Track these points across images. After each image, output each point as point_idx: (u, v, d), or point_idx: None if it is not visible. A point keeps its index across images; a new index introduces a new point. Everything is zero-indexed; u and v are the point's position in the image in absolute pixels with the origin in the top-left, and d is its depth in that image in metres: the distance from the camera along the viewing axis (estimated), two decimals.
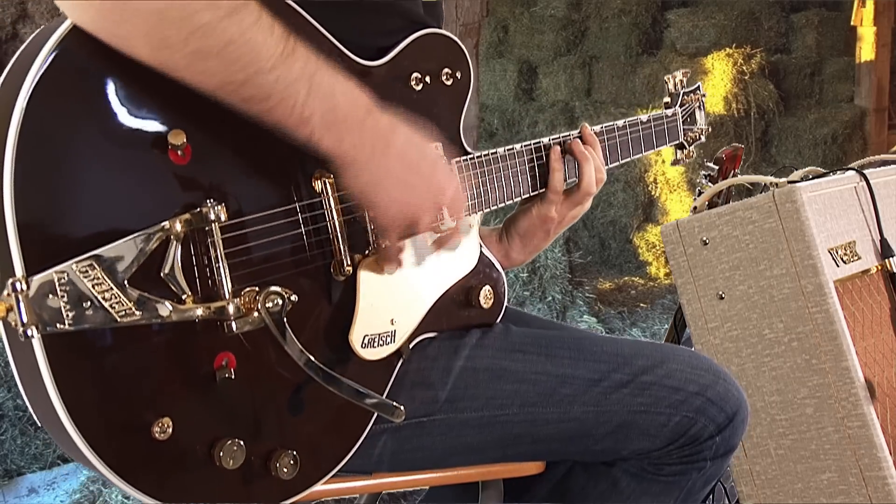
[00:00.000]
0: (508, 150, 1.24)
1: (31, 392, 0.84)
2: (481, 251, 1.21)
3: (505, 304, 1.24)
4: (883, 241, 1.75)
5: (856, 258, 1.69)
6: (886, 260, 1.75)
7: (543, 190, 1.27)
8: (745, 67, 6.08)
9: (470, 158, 1.17)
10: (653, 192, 6.00)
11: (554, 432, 1.17)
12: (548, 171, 1.27)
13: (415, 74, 1.11)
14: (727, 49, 6.15)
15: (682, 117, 1.55)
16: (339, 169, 0.97)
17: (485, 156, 1.19)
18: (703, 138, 1.60)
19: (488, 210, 1.21)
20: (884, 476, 1.57)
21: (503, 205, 1.24)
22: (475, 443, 1.16)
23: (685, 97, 1.55)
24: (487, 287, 1.20)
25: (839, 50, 6.52)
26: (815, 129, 6.11)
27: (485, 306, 1.20)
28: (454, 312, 1.18)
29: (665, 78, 1.56)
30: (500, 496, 1.25)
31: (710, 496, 1.71)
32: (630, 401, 1.17)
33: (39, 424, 0.87)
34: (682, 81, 1.55)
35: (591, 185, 1.28)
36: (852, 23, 6.20)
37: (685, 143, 1.57)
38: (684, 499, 1.24)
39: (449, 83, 1.15)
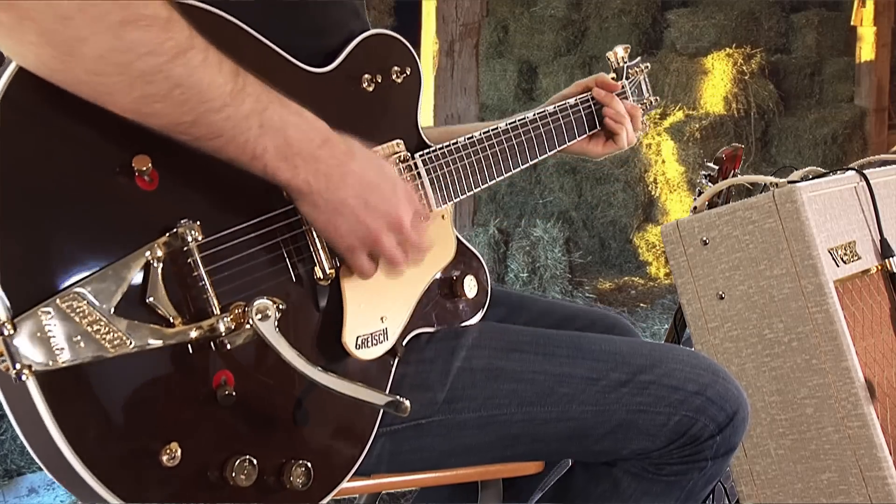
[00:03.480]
0: (484, 132, 1.27)
1: (31, 436, 0.83)
2: (458, 241, 1.22)
3: (489, 291, 1.24)
4: (883, 241, 1.75)
5: (856, 258, 1.68)
6: (886, 260, 1.74)
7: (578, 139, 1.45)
8: (745, 67, 6.08)
9: (431, 151, 1.18)
10: (653, 192, 6.00)
11: (552, 432, 1.17)
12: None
13: (365, 75, 1.12)
14: (727, 49, 6.15)
15: (630, 89, 1.54)
16: (296, 199, 0.96)
17: (447, 147, 1.20)
18: (650, 109, 1.60)
19: (460, 199, 1.22)
20: (884, 476, 1.57)
21: (478, 189, 1.25)
22: (474, 443, 1.16)
23: (629, 70, 1.55)
24: (470, 276, 1.22)
25: (839, 50, 6.52)
26: (815, 129, 6.11)
27: (469, 295, 1.21)
28: (441, 304, 1.19)
29: (607, 54, 1.55)
30: (500, 496, 1.25)
31: (710, 496, 1.71)
32: (629, 400, 1.17)
33: (46, 471, 0.85)
34: (623, 57, 1.55)
35: (631, 141, 1.49)
36: (852, 23, 6.21)
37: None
38: (685, 499, 1.23)
39: (400, 80, 1.16)
